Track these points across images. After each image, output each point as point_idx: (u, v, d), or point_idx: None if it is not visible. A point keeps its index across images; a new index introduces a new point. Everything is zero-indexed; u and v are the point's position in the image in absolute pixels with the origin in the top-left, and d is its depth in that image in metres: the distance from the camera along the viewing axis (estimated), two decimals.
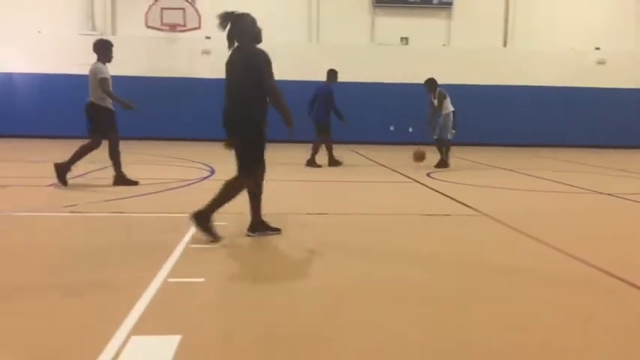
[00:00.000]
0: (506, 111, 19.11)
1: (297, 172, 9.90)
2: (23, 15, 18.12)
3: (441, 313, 3.10)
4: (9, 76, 18.19)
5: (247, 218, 4.90)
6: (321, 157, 10.94)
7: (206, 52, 18.47)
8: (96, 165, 10.20)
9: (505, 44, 19.76)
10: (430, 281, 3.69)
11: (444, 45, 19.51)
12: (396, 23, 19.35)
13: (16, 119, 17.89)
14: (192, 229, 4.93)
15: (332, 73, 11.08)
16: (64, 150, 13.54)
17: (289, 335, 2.77)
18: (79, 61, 17.97)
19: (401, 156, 14.14)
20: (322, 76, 18.34)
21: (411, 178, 9.28)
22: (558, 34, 19.49)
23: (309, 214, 6.02)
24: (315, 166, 10.67)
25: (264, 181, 4.96)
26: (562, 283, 3.72)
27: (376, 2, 19.16)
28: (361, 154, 14.34)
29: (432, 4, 19.31)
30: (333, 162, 10.91)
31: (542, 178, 9.77)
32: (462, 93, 18.93)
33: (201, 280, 3.55)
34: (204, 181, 8.43)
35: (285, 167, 10.22)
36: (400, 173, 10.08)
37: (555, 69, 19.30)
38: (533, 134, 19.20)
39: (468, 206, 6.58)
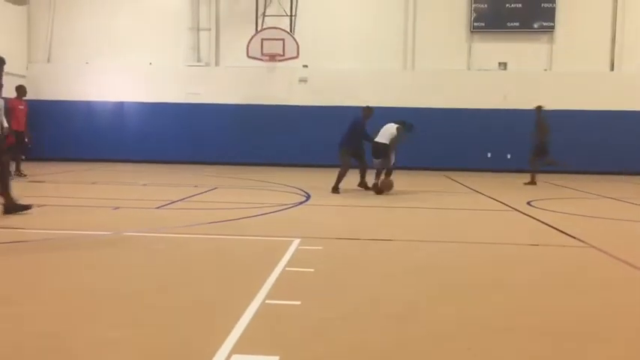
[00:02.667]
0: (615, 137, 18.10)
1: (396, 200, 9.87)
2: (136, 48, 19.46)
3: (554, 346, 2.98)
4: (121, 105, 19.52)
5: (341, 244, 4.93)
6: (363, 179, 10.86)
7: (303, 80, 18.95)
8: (198, 189, 10.68)
9: (612, 68, 18.81)
10: (535, 314, 3.55)
11: (545, 70, 18.88)
12: (493, 48, 18.97)
13: (127, 145, 19.12)
14: (290, 253, 5.05)
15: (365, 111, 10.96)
16: (170, 174, 14.32)
17: None
18: (186, 90, 19.14)
19: (498, 183, 13.73)
20: (417, 103, 18.38)
21: (511, 207, 8.98)
22: None
23: (420, 241, 5.98)
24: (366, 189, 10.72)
25: None
26: None
27: (473, 28, 18.92)
28: (457, 181, 14.07)
29: (532, 28, 18.79)
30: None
31: None
32: (565, 119, 18.23)
33: (298, 303, 3.61)
34: (300, 206, 8.59)
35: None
36: (499, 201, 9.78)
37: None
38: None
39: (573, 237, 6.28)
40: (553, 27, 18.67)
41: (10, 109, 11.45)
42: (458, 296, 3.94)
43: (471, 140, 18.34)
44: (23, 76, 18.34)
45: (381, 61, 18.86)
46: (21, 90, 12.84)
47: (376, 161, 10.61)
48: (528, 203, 9.44)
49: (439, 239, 6.18)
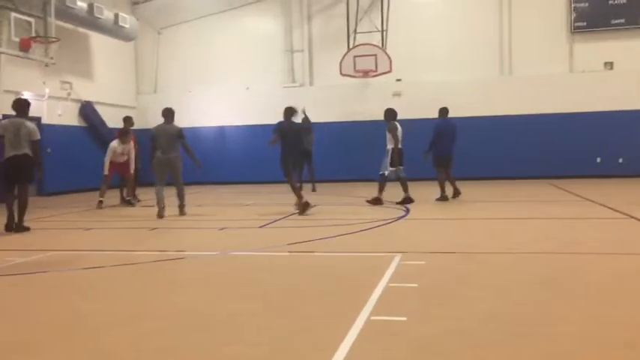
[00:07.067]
0: None
1: (499, 209, 9.57)
2: (233, 74, 20.26)
3: None
4: (222, 129, 20.35)
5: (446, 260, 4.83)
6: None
7: (397, 94, 18.86)
8: (295, 207, 10.84)
9: None
10: None
11: None
12: (597, 48, 17.97)
13: (228, 167, 19.86)
14: (392, 268, 5.01)
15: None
16: (271, 194, 14.70)
17: None
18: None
19: (610, 189, 12.92)
20: (517, 110, 17.70)
21: (626, 214, 8.42)
22: None
23: (527, 253, 5.77)
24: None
25: None
26: None
27: (574, 29, 18.06)
28: (564, 189, 13.37)
29: (638, 23, 17.66)
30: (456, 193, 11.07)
31: None
32: None
33: (404, 319, 3.58)
34: (400, 221, 8.53)
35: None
36: (613, 209, 9.20)
37: None
38: None
39: None
40: None
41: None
42: (575, 311, 3.74)
43: (577, 145, 17.42)
44: (134, 107, 19.68)
45: (476, 70, 18.40)
46: (128, 122, 13.27)
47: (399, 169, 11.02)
48: None
49: (549, 251, 5.90)
